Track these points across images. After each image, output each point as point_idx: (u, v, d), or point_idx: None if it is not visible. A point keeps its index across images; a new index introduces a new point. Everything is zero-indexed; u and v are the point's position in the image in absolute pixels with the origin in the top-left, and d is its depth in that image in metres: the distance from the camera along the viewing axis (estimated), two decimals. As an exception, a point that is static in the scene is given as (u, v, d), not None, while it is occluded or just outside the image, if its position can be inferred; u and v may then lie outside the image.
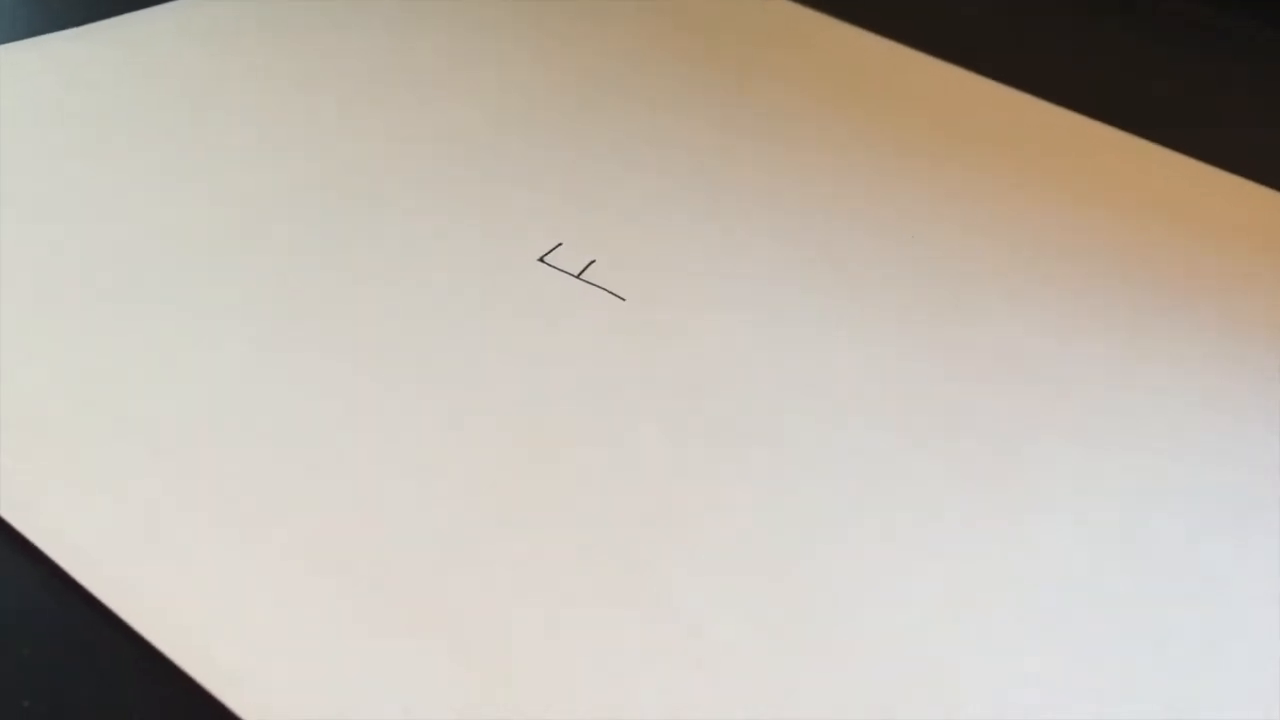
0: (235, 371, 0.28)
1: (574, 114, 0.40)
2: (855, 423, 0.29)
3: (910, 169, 0.39)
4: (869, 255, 0.34)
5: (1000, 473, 0.28)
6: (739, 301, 0.32)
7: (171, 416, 0.26)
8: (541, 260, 0.33)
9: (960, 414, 0.29)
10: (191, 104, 0.38)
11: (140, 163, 0.35)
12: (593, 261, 0.33)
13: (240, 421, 0.27)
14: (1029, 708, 0.23)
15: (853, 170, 0.38)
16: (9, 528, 0.23)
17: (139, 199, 0.33)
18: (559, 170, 0.37)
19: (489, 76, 0.41)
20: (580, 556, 0.25)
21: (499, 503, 0.25)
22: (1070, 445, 0.29)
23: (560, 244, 0.33)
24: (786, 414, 0.29)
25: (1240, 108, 0.46)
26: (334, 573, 0.24)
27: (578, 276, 0.32)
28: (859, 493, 0.27)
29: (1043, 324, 0.32)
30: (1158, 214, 0.38)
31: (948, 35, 0.47)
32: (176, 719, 0.21)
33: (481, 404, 0.28)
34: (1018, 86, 0.44)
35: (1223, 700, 0.23)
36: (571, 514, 0.25)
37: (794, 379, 0.30)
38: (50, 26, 0.41)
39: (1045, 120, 0.42)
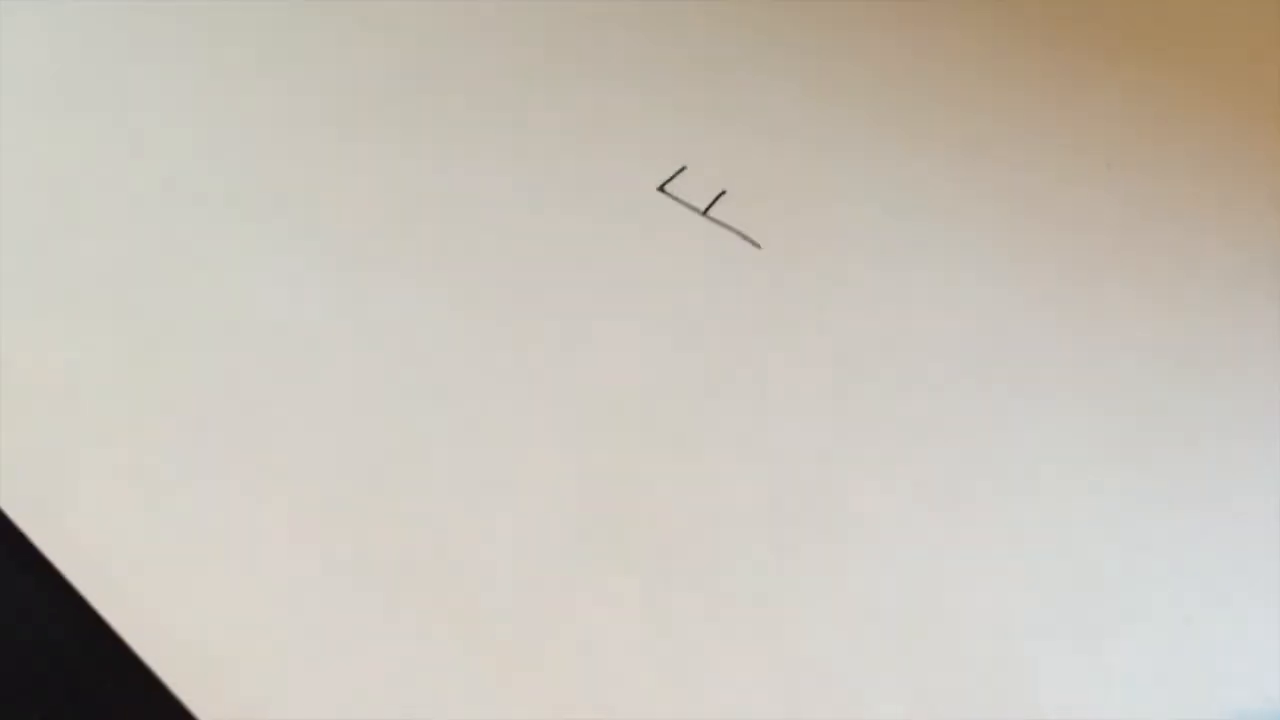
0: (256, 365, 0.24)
1: (704, 4, 0.33)
2: (1031, 391, 0.24)
3: (1098, 89, 0.32)
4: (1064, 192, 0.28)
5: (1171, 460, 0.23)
6: (909, 252, 0.26)
7: (185, 437, 0.23)
8: (662, 190, 0.27)
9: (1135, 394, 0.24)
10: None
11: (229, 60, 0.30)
12: (722, 193, 0.27)
13: (263, 423, 0.23)
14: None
15: (1030, 95, 0.32)
16: (27, 544, 0.22)
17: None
18: (684, 74, 0.31)
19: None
20: (652, 558, 0.21)
21: (574, 513, 0.22)
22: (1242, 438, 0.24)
23: (684, 168, 0.28)
24: (951, 398, 0.24)
25: None
26: (353, 570, 0.21)
27: (704, 213, 0.27)
28: (1026, 471, 0.23)
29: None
30: None
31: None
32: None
33: (579, 395, 0.23)
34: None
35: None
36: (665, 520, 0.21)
37: (962, 349, 0.24)
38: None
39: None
